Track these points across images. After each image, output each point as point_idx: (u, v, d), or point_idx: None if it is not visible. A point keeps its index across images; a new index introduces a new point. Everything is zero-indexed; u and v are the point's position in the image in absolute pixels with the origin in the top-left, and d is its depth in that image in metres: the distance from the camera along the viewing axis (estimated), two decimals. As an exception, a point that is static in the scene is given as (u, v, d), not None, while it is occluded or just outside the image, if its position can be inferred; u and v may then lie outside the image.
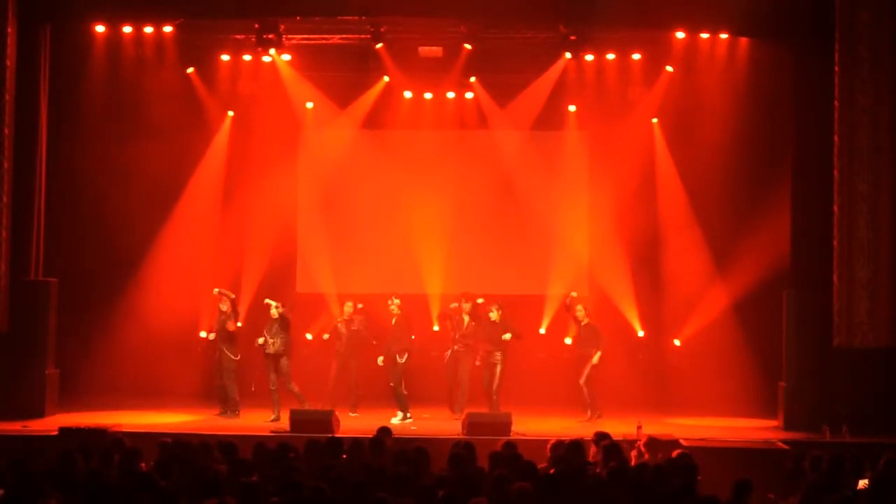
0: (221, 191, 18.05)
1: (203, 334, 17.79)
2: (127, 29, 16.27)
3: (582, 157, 18.39)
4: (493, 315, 15.69)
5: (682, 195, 17.60)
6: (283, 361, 15.49)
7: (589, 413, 15.48)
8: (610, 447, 9.89)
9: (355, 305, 16.40)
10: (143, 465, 9.08)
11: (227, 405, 15.53)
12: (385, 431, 11.18)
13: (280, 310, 15.47)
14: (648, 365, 17.72)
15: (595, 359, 15.63)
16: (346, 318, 16.37)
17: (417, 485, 7.87)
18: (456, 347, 15.89)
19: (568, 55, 16.67)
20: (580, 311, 15.95)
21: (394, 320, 15.87)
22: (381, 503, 7.35)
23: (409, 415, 15.30)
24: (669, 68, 17.30)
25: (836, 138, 14.45)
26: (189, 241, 17.70)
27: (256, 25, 16.29)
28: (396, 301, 15.82)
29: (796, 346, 15.09)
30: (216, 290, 15.96)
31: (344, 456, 9.76)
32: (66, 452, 8.95)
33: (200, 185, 17.94)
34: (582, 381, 15.66)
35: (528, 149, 18.17)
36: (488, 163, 18.17)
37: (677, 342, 17.69)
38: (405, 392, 15.59)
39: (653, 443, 10.37)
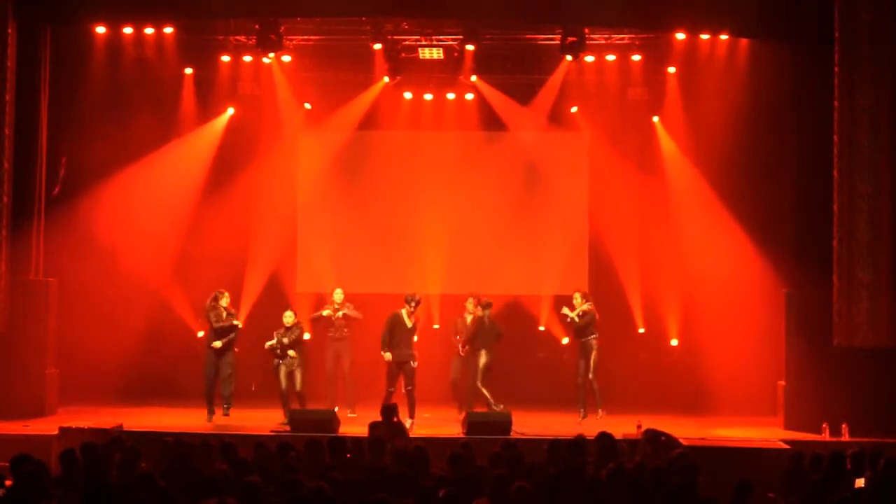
0: (222, 191, 18.02)
1: (201, 334, 17.82)
2: (127, 30, 16.27)
3: (583, 157, 18.39)
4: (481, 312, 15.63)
5: (690, 193, 17.55)
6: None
7: (600, 411, 15.42)
8: (608, 447, 9.91)
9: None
10: (144, 464, 9.07)
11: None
12: (390, 409, 11.33)
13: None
14: (648, 364, 17.72)
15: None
16: (336, 305, 15.96)
17: (418, 485, 7.87)
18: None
19: (569, 58, 16.63)
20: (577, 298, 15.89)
21: (410, 322, 15.31)
22: (382, 503, 7.35)
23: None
24: (671, 69, 17.30)
25: (836, 138, 14.45)
26: (189, 241, 17.70)
27: (257, 26, 16.28)
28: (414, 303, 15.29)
29: (796, 346, 15.10)
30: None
31: (348, 455, 9.76)
32: (66, 452, 8.95)
33: (201, 184, 17.93)
34: (591, 375, 15.63)
35: (529, 149, 18.17)
36: (488, 163, 18.19)
37: (675, 342, 17.71)
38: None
39: (651, 435, 10.38)
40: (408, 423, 14.45)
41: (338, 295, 16.02)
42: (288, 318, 15.49)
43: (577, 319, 15.71)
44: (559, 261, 17.90)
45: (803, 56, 15.26)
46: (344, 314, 15.89)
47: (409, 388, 15.05)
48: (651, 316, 17.87)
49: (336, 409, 14.97)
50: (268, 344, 15.36)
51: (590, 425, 14.29)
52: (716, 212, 17.15)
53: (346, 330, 15.95)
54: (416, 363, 15.17)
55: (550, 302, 17.90)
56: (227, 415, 15.26)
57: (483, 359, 15.53)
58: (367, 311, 16.53)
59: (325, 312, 15.94)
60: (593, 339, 15.72)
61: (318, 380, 16.17)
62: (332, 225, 18.39)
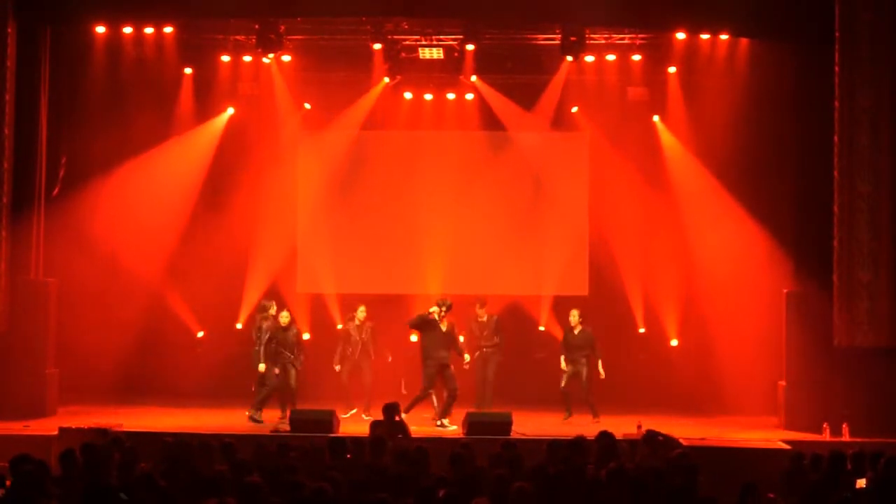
0: (222, 191, 18.02)
1: (201, 334, 17.85)
2: (127, 29, 16.26)
3: (583, 157, 18.36)
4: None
5: (691, 191, 17.53)
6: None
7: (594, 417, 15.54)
8: (608, 447, 9.90)
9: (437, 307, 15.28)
10: (144, 464, 9.07)
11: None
12: (392, 407, 11.35)
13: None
14: (648, 364, 17.71)
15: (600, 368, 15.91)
16: (357, 323, 16.13)
17: (418, 485, 7.87)
18: (485, 349, 15.97)
19: (569, 58, 16.60)
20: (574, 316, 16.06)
21: (444, 325, 15.11)
22: (382, 503, 7.35)
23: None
24: (672, 69, 17.29)
25: (836, 138, 14.45)
26: (189, 241, 17.69)
27: (257, 26, 16.26)
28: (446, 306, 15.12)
29: (796, 346, 15.10)
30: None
31: (349, 456, 9.76)
32: (66, 453, 8.94)
33: (200, 184, 17.92)
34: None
35: (529, 149, 18.16)
36: (489, 163, 18.17)
37: (675, 342, 17.71)
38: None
39: (650, 437, 10.39)
40: (442, 423, 14.56)
41: (361, 312, 16.16)
42: (284, 318, 15.59)
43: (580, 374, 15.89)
44: (559, 261, 17.87)
45: (803, 56, 15.27)
46: (365, 338, 16.05)
47: (456, 390, 14.92)
48: (651, 316, 17.86)
49: (355, 411, 15.28)
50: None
51: (587, 426, 14.29)
52: (716, 211, 17.15)
53: (369, 348, 16.10)
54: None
55: (550, 302, 17.89)
56: (259, 420, 15.18)
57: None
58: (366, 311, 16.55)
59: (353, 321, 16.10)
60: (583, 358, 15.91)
61: (317, 383, 16.19)
62: (332, 225, 18.34)
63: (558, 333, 17.48)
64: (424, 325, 14.96)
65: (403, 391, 16.00)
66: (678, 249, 17.53)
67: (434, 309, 14.99)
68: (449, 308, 15.07)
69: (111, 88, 17.28)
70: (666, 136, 17.87)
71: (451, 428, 14.40)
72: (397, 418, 12.19)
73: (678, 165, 17.68)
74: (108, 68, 16.88)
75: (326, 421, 13.59)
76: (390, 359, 16.14)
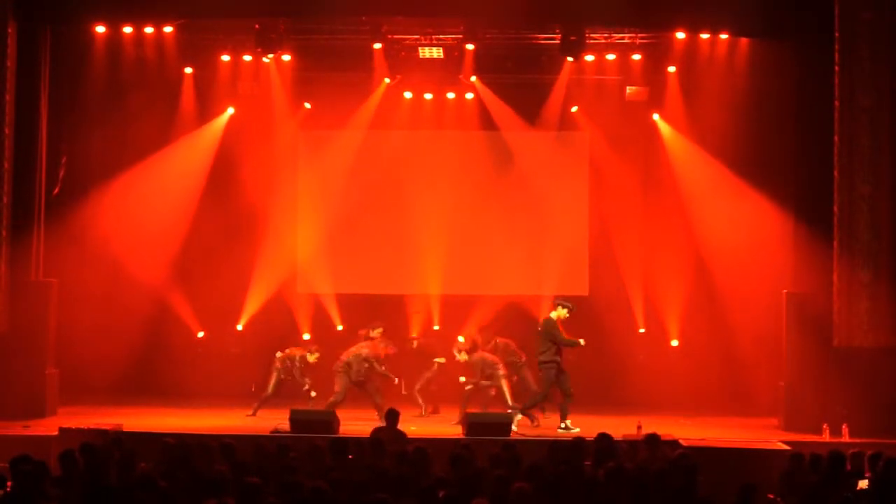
0: (222, 191, 18.02)
1: (201, 335, 17.85)
2: (127, 29, 16.25)
3: (583, 156, 18.38)
4: None
5: (692, 190, 17.50)
6: None
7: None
8: (607, 448, 9.89)
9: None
10: (144, 465, 9.07)
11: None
12: (394, 414, 11.37)
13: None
14: (648, 364, 17.72)
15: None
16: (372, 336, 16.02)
17: (418, 486, 7.87)
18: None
19: (570, 58, 16.60)
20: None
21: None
22: (382, 503, 7.35)
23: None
24: (672, 68, 17.28)
25: (836, 138, 14.45)
26: (189, 241, 17.69)
27: (257, 26, 16.27)
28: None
29: (796, 346, 15.09)
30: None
31: (350, 456, 9.76)
32: (66, 453, 8.94)
33: (201, 184, 17.92)
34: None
35: (529, 148, 18.17)
36: (488, 163, 18.17)
37: (675, 342, 17.70)
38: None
39: (653, 440, 10.37)
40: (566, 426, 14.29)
41: (380, 334, 15.97)
42: (311, 357, 15.62)
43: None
44: (559, 261, 17.88)
45: (803, 56, 15.26)
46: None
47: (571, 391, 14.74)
48: (651, 316, 17.86)
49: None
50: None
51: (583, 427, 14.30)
52: (716, 211, 17.14)
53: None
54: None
55: (551, 302, 17.86)
56: None
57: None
58: (365, 312, 16.55)
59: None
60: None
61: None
62: (332, 225, 18.33)
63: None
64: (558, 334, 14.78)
65: (404, 392, 15.99)
66: (678, 249, 17.53)
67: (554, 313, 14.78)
68: (572, 310, 14.92)
69: (111, 88, 17.29)
70: (666, 130, 17.83)
71: (575, 430, 13.98)
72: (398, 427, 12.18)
73: (679, 162, 17.67)
74: (109, 68, 16.87)
75: (327, 422, 13.58)
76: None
